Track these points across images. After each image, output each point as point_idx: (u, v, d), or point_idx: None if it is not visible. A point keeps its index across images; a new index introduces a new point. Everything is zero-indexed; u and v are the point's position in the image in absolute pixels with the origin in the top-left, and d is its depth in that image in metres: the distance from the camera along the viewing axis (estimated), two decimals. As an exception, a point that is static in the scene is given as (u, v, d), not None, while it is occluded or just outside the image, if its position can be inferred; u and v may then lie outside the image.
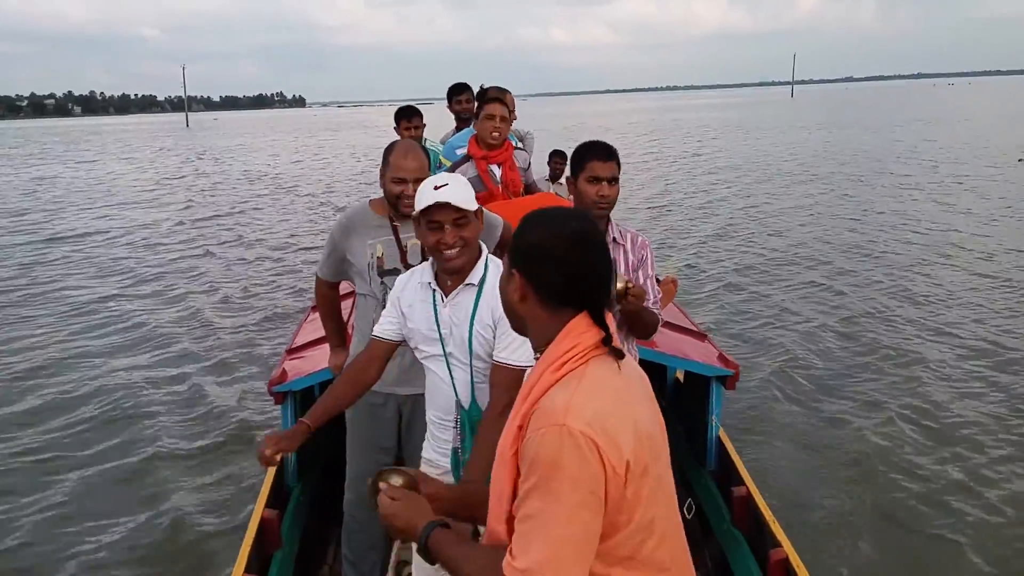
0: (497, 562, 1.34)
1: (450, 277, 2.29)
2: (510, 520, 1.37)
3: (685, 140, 37.22)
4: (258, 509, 3.26)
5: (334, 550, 3.69)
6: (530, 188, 4.31)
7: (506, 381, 2.17)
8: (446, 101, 5.29)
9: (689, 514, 3.34)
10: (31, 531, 4.69)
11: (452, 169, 4.05)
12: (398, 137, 5.11)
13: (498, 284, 1.56)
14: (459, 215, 2.18)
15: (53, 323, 9.20)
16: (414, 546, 1.58)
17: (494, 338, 2.23)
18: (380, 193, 2.98)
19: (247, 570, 2.85)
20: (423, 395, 2.49)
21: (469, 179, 3.87)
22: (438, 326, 2.31)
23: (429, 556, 1.50)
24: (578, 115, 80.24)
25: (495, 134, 3.94)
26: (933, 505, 4.61)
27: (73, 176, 29.99)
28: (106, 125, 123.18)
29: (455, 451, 2.37)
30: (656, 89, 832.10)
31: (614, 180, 2.67)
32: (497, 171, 4.02)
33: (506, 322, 1.99)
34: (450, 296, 2.30)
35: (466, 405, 2.33)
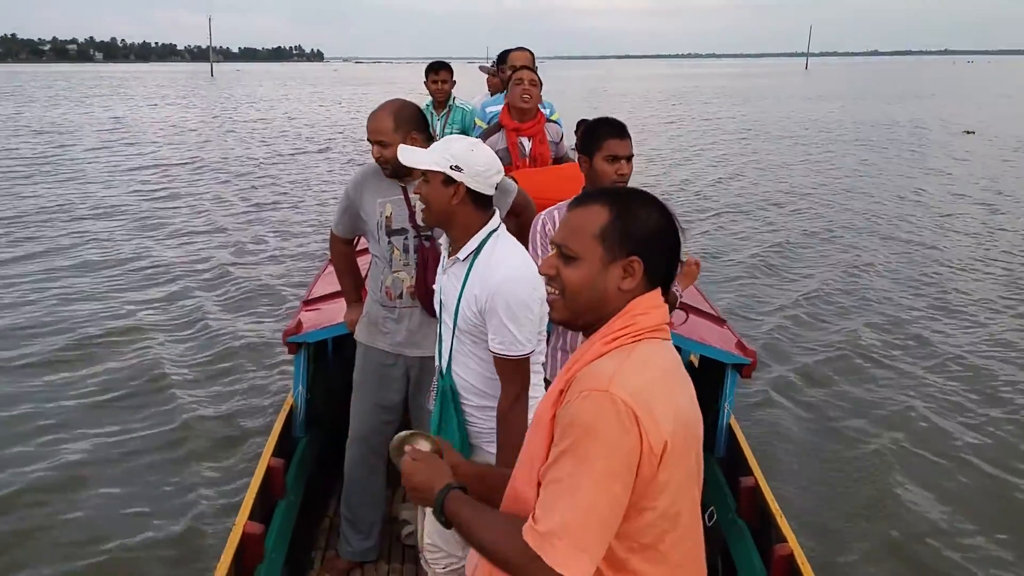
0: (515, 529, 1.32)
1: (450, 243, 2.27)
2: (539, 484, 1.35)
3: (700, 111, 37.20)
4: (264, 457, 3.27)
5: (335, 502, 3.69)
6: (560, 161, 4.19)
7: (509, 371, 2.15)
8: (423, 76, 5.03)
9: (709, 522, 3.25)
10: (44, 469, 4.74)
11: (484, 137, 4.00)
12: (426, 91, 5.05)
13: (573, 280, 1.41)
14: (421, 173, 2.21)
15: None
16: (419, 510, 1.57)
17: (484, 325, 2.17)
18: None
19: (251, 517, 2.86)
20: (431, 358, 2.47)
21: (497, 151, 3.77)
22: (439, 288, 2.33)
23: (444, 519, 1.48)
24: (597, 79, 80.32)
25: (526, 96, 3.89)
26: (944, 511, 4.46)
27: (139, 116, 32.42)
28: (135, 72, 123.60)
29: (433, 416, 2.36)
30: (675, 56, 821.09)
31: (631, 157, 2.66)
32: (527, 144, 3.97)
33: (493, 315, 2.09)
34: (448, 262, 2.27)
35: (443, 372, 2.30)
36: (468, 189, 2.16)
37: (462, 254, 2.20)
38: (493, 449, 2.25)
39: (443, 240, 2.32)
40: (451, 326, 2.25)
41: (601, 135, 2.65)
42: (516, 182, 3.05)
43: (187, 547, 4.01)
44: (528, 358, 2.18)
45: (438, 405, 2.31)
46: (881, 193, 14.40)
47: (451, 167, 2.13)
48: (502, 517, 1.43)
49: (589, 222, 1.41)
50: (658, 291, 1.42)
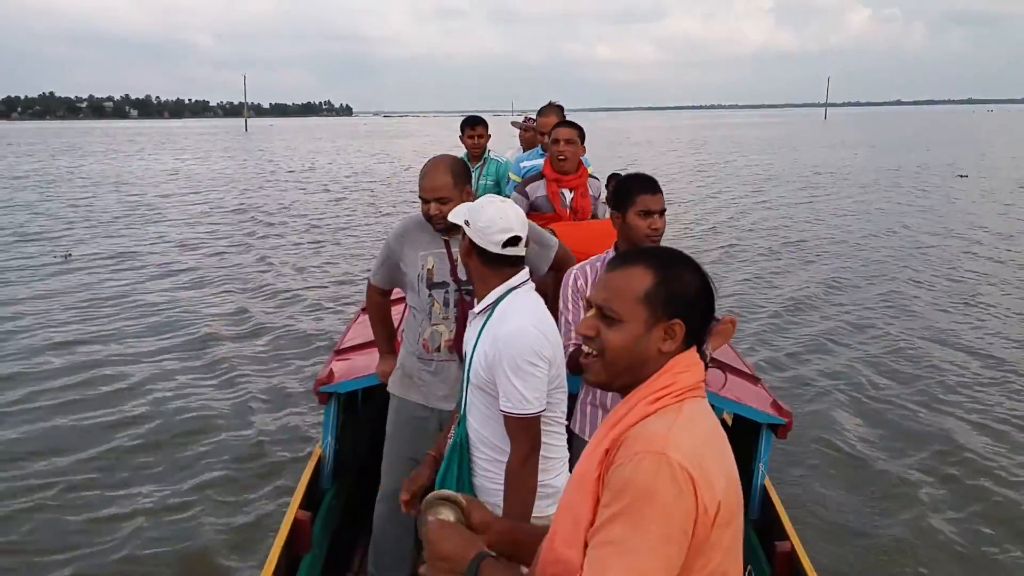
0: None
1: (475, 298, 2.30)
2: (586, 546, 1.31)
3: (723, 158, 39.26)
4: (292, 510, 3.21)
5: (360, 558, 3.64)
6: (594, 217, 4.22)
7: (516, 430, 2.14)
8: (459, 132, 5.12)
9: None
10: (53, 517, 4.73)
11: (525, 184, 4.08)
12: (462, 145, 5.08)
13: (616, 343, 1.41)
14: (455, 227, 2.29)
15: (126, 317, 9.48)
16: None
17: (493, 382, 2.16)
18: None
19: (276, 572, 2.83)
20: None
21: (537, 198, 3.97)
22: (466, 338, 2.33)
23: None
24: (621, 131, 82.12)
25: (561, 158, 3.92)
26: None
27: (193, 168, 35.11)
28: (172, 128, 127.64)
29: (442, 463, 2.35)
30: (699, 107, 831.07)
31: (663, 212, 2.68)
32: (568, 195, 3.99)
33: (499, 371, 2.09)
34: (471, 315, 2.30)
35: (459, 422, 2.31)
36: (471, 243, 2.20)
37: (478, 308, 2.24)
38: (494, 499, 2.23)
39: None
40: (465, 379, 2.27)
41: (633, 190, 2.67)
42: (555, 235, 3.06)
43: None
44: (538, 417, 2.15)
45: (448, 452, 2.30)
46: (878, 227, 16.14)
47: (464, 220, 2.22)
48: None
49: (633, 285, 1.40)
50: (694, 349, 1.43)
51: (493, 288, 2.21)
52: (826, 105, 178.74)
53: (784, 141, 57.15)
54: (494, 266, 2.21)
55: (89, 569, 4.27)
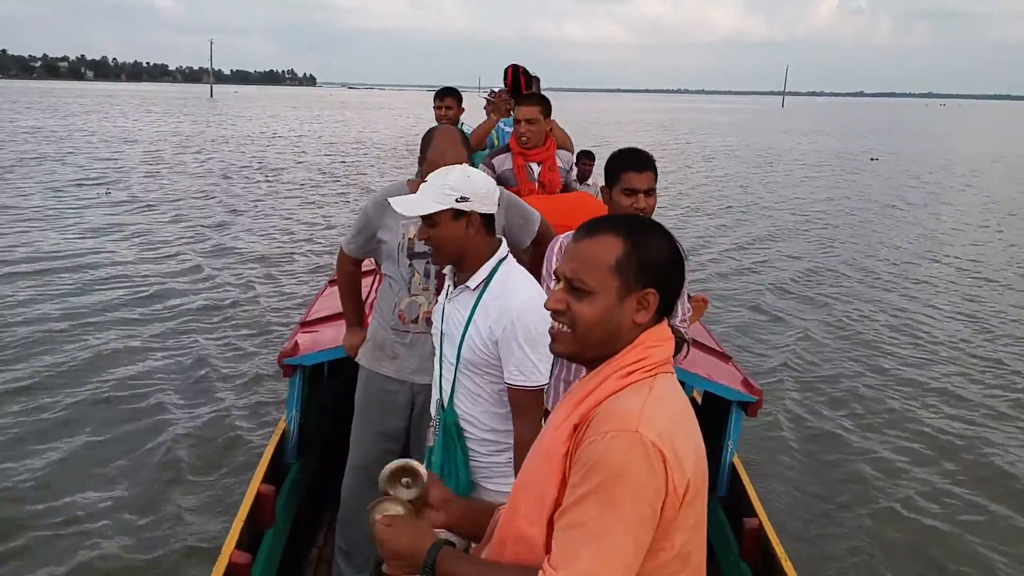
0: None
1: (458, 272, 2.19)
2: (550, 524, 1.30)
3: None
4: (254, 483, 3.18)
5: (325, 533, 3.61)
6: (567, 190, 4.16)
7: (527, 402, 2.09)
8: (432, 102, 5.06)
9: None
10: (30, 490, 4.62)
11: (492, 156, 4.00)
12: (433, 119, 4.94)
13: (588, 315, 1.36)
14: (424, 219, 2.13)
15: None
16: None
17: (495, 356, 2.10)
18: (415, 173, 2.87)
19: (238, 546, 2.78)
20: None
21: (504, 171, 3.89)
22: (442, 320, 2.22)
23: None
24: (591, 111, 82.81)
25: (524, 138, 3.86)
26: (953, 554, 4.40)
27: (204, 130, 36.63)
28: (134, 91, 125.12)
29: (428, 450, 2.26)
30: (667, 91, 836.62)
31: (651, 191, 2.54)
32: (535, 169, 3.92)
33: (512, 344, 2.02)
34: (455, 291, 2.19)
35: (444, 406, 2.21)
36: (481, 216, 2.11)
37: (473, 282, 2.13)
38: (493, 486, 2.22)
39: (448, 268, 2.24)
40: (453, 358, 2.17)
41: (620, 167, 2.55)
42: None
43: (172, 574, 3.89)
44: (543, 388, 2.12)
45: (440, 441, 2.21)
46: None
47: (456, 200, 2.07)
48: (509, 569, 1.37)
49: (603, 254, 1.35)
50: (665, 323, 1.40)
51: (486, 260, 2.14)
52: (784, 94, 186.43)
53: (735, 127, 60.06)
54: (490, 232, 2.17)
55: (44, 545, 4.14)
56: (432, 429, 2.29)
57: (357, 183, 19.46)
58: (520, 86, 4.85)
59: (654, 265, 1.36)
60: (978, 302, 9.86)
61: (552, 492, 1.32)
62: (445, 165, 2.48)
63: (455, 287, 2.20)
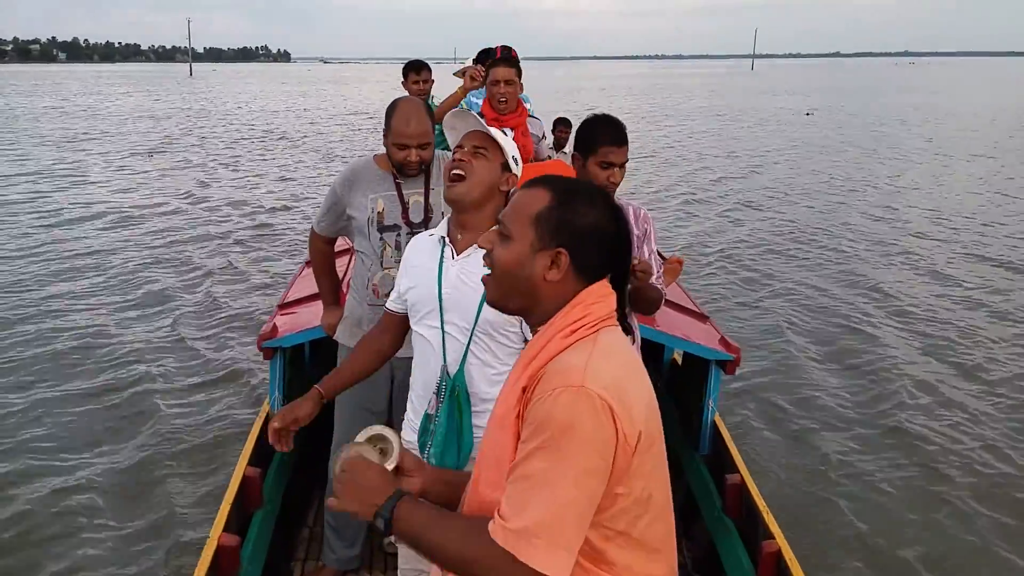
0: (479, 529, 1.27)
1: (460, 231, 2.13)
2: None
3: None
4: (240, 466, 3.21)
5: (316, 512, 3.64)
6: (538, 158, 4.20)
7: None
8: (401, 77, 5.00)
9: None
10: (11, 477, 4.62)
11: None
12: (405, 92, 4.87)
13: (503, 259, 1.40)
14: (480, 144, 2.09)
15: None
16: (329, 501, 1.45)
17: (509, 320, 2.06)
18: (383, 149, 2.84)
19: (226, 529, 2.80)
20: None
21: None
22: (440, 285, 2.11)
23: (388, 525, 1.35)
24: (571, 78, 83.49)
25: (502, 99, 3.92)
26: (930, 508, 4.43)
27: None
28: (115, 71, 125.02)
29: (427, 416, 2.17)
30: (644, 57, 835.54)
31: (624, 164, 2.58)
32: (509, 135, 3.76)
33: None
34: (462, 254, 2.12)
35: (452, 372, 2.12)
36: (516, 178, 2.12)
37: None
38: None
39: (436, 233, 2.17)
40: (466, 322, 2.09)
41: (598, 140, 2.55)
42: None
43: (162, 560, 3.91)
44: None
45: (446, 409, 2.12)
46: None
47: (512, 157, 2.12)
48: (462, 519, 1.39)
49: (529, 204, 1.39)
50: (605, 281, 1.41)
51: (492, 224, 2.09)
52: (753, 57, 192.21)
53: (705, 88, 64.38)
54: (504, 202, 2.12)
55: (34, 530, 4.17)
56: (435, 397, 2.15)
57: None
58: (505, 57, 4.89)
59: (572, 227, 1.37)
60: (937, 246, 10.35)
61: (509, 455, 1.32)
62: (408, 134, 2.61)
63: (459, 252, 2.12)
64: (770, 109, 38.59)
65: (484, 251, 1.45)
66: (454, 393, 2.12)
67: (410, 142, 2.69)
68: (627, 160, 2.60)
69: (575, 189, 1.42)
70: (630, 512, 1.32)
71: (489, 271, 1.44)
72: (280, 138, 24.39)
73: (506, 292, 1.43)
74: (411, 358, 2.33)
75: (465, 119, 2.24)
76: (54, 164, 17.91)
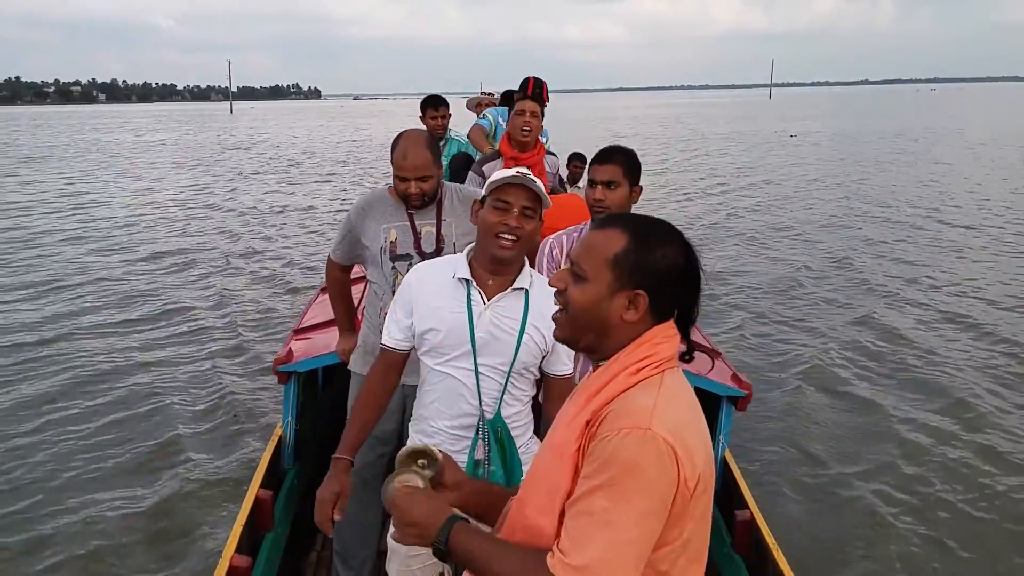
0: (537, 562, 1.30)
1: (492, 276, 2.14)
2: (561, 515, 1.33)
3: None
4: (253, 489, 3.24)
5: (324, 537, 3.63)
6: (553, 193, 4.18)
7: (569, 389, 2.01)
8: (419, 112, 5.12)
9: None
10: (25, 497, 4.71)
11: (481, 164, 4.05)
12: (423, 126, 4.95)
13: (579, 301, 1.41)
14: (529, 205, 2.09)
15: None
16: (391, 539, 1.52)
17: (544, 353, 2.15)
18: None
19: (238, 550, 2.85)
20: None
21: None
22: (472, 329, 2.13)
23: (445, 553, 1.42)
24: (597, 109, 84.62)
25: (525, 130, 3.96)
26: (943, 548, 4.35)
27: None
28: (160, 112, 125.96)
29: (477, 462, 2.19)
30: (669, 88, 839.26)
31: (611, 184, 2.58)
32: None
33: None
34: (494, 299, 2.14)
35: (491, 415, 2.17)
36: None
37: (522, 283, 2.14)
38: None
39: (455, 273, 2.16)
40: (500, 367, 2.13)
41: (591, 161, 2.65)
42: None
43: None
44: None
45: (495, 453, 2.17)
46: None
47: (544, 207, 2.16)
48: (520, 549, 1.39)
49: (605, 246, 1.40)
50: (671, 321, 1.43)
51: (523, 265, 2.19)
52: (771, 86, 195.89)
53: (721, 116, 67.83)
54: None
55: (50, 546, 4.26)
56: (481, 442, 2.17)
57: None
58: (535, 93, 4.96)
59: (651, 269, 1.38)
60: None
61: (565, 485, 1.34)
62: (406, 168, 2.70)
63: (489, 296, 2.14)
64: (767, 132, 42.26)
65: (556, 289, 1.45)
66: (498, 436, 2.17)
67: (408, 175, 2.74)
68: (615, 180, 2.60)
69: (650, 229, 1.42)
70: (673, 554, 1.35)
71: (560, 308, 1.45)
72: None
73: (579, 330, 1.44)
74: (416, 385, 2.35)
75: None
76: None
